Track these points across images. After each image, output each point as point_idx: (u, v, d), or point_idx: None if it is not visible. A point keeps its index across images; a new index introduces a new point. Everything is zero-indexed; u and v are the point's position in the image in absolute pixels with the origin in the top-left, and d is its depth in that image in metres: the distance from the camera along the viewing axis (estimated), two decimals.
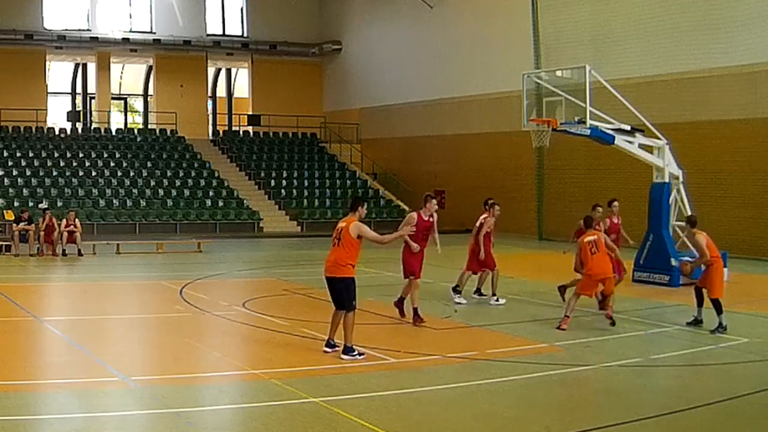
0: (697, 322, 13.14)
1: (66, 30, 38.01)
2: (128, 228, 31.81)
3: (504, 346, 11.71)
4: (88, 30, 38.63)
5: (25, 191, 32.43)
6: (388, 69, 39.00)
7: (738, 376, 10.32)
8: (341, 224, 11.01)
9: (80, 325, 13.69)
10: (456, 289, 15.54)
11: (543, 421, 8.31)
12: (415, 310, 13.26)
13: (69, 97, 42.65)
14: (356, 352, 10.68)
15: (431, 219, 13.60)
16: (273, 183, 37.77)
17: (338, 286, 10.86)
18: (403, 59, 38.03)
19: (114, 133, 39.44)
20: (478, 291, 16.05)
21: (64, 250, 23.88)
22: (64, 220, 24.25)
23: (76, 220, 24.54)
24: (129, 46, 39.59)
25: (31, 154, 35.28)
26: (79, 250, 23.99)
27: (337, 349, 10.87)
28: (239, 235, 32.36)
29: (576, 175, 29.34)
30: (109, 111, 41.05)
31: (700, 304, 13.14)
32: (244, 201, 35.41)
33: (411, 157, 37.99)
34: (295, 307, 14.87)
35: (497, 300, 15.47)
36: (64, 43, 38.16)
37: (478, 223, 15.52)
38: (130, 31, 39.66)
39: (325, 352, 10.92)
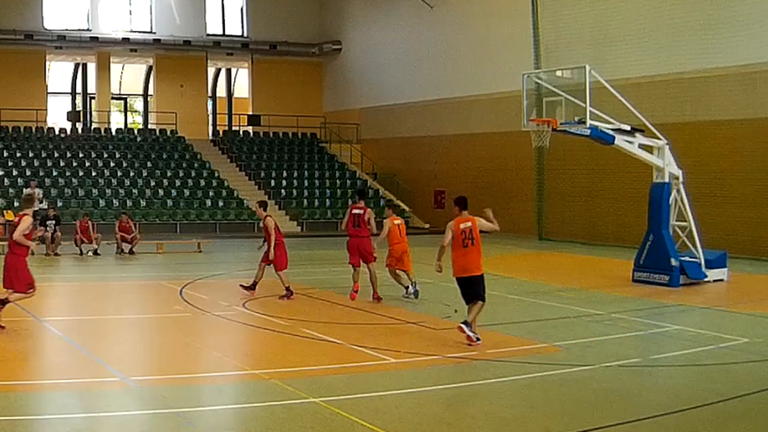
0: None
1: (66, 30, 37.97)
2: None
3: (504, 346, 11.69)
4: (88, 30, 38.60)
5: (25, 191, 32.37)
6: (388, 69, 38.98)
7: (738, 376, 10.31)
8: (465, 224, 11.46)
9: (80, 325, 13.68)
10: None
11: (543, 422, 8.30)
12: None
13: (69, 97, 42.60)
14: (474, 335, 11.31)
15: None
16: (273, 183, 37.73)
17: (481, 282, 11.57)
18: (403, 59, 38.02)
19: (114, 133, 39.39)
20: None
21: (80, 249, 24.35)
22: (78, 222, 24.95)
23: (129, 221, 25.43)
24: (129, 46, 39.55)
25: (31, 154, 35.26)
26: (131, 249, 24.70)
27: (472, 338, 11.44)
28: (239, 235, 32.32)
29: (576, 175, 29.31)
30: (109, 111, 40.99)
31: None
32: (244, 201, 35.36)
33: (411, 157, 37.97)
34: (295, 307, 14.86)
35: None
36: (64, 43, 38.12)
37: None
38: (130, 31, 39.62)
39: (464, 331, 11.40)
